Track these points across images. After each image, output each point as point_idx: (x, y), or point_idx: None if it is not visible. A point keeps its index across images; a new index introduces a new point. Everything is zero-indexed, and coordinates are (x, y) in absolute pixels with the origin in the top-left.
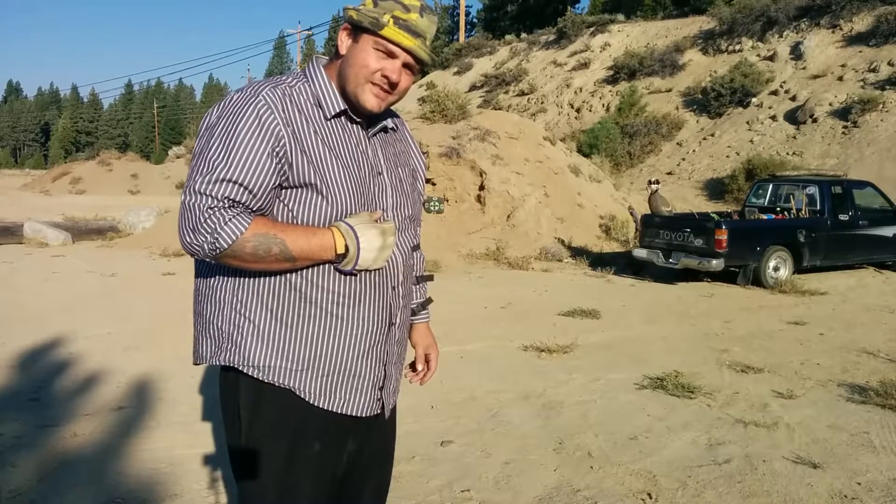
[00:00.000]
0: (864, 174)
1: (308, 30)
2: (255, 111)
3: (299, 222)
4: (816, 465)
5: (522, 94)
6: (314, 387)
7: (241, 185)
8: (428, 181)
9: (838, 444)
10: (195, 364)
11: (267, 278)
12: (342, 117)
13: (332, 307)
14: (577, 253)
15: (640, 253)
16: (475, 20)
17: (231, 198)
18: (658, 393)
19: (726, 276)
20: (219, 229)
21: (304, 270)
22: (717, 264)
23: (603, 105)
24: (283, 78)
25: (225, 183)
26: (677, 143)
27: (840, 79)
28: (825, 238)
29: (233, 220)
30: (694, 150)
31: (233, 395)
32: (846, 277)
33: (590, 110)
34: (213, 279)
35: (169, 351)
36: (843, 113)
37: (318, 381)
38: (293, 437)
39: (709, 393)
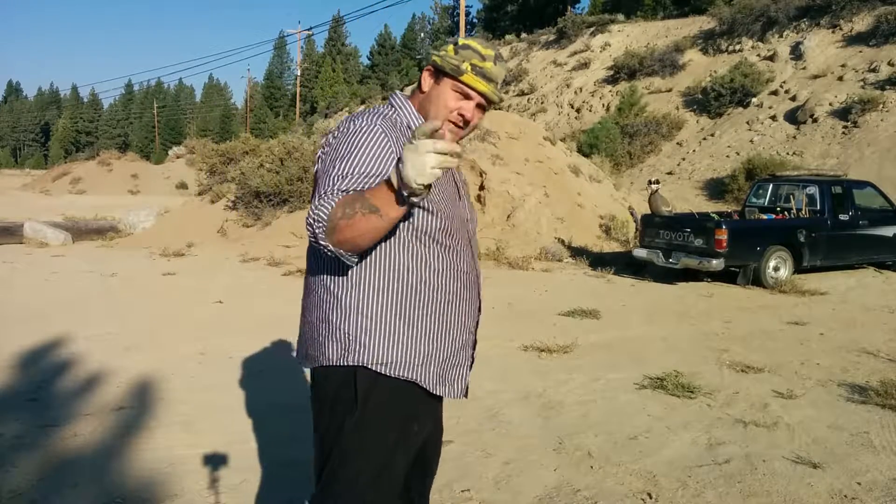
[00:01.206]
0: (864, 174)
1: (308, 30)
2: (375, 137)
3: (414, 228)
4: (816, 465)
5: (522, 94)
6: (432, 376)
7: (353, 190)
8: None
9: (838, 444)
10: (316, 366)
11: (389, 282)
12: None
13: (445, 301)
14: (577, 253)
15: (640, 253)
16: (475, 20)
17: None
18: (658, 393)
19: (726, 276)
20: (319, 207)
21: (421, 272)
22: (717, 264)
23: (603, 105)
24: (380, 110)
25: (342, 193)
26: (677, 143)
27: (840, 79)
28: (825, 238)
29: (328, 200)
30: (694, 150)
31: (345, 390)
32: (846, 277)
33: (590, 110)
34: (337, 289)
35: (169, 351)
36: (843, 113)
37: (434, 370)
38: (403, 424)
39: (709, 393)
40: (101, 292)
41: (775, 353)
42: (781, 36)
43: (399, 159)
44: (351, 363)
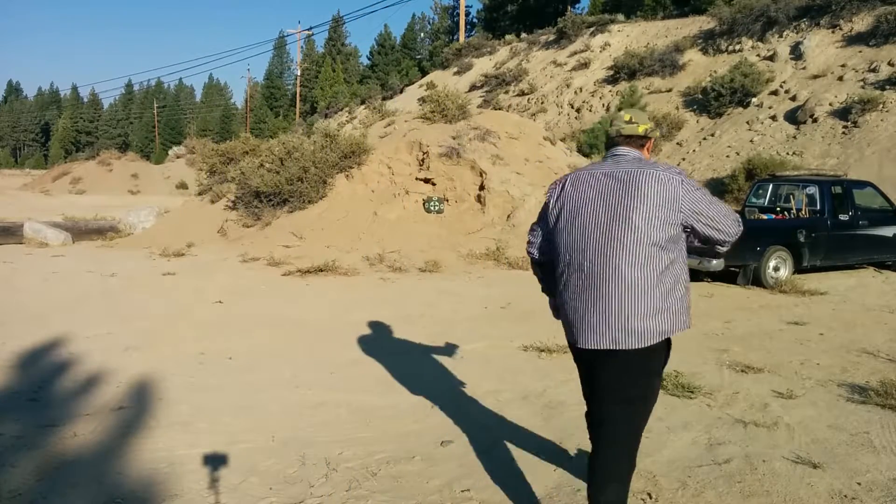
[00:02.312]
0: (864, 174)
1: (308, 30)
2: None
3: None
4: (816, 465)
5: (522, 94)
6: None
7: None
8: (428, 181)
9: (838, 444)
10: (671, 335)
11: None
12: None
13: None
14: None
15: None
16: (475, 20)
17: None
18: None
19: (726, 276)
20: (740, 222)
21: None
22: (717, 264)
23: (603, 105)
24: (650, 159)
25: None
26: (677, 143)
27: (840, 79)
28: (825, 238)
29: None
30: (694, 150)
31: (667, 349)
32: (846, 277)
33: (590, 110)
34: (680, 279)
35: (169, 351)
36: (843, 113)
37: None
38: None
39: (709, 393)
40: (101, 292)
41: (775, 353)
42: (781, 36)
43: None
44: (687, 328)
